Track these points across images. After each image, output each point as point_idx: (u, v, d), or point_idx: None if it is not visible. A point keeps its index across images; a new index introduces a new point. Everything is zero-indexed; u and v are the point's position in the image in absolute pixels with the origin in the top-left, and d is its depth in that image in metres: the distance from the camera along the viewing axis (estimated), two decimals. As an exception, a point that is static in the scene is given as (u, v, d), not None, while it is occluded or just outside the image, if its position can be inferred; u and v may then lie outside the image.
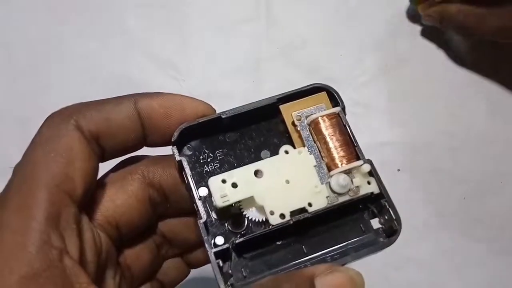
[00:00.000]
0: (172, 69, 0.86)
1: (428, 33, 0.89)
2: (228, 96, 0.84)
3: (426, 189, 0.80)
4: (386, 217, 0.45)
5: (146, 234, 0.49)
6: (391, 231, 0.44)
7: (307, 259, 0.44)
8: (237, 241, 0.43)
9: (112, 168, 0.47)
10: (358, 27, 0.90)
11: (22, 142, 0.78)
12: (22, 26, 0.89)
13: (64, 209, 0.38)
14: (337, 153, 0.44)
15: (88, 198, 0.42)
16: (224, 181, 0.43)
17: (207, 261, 0.50)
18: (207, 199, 0.44)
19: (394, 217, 0.44)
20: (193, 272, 0.54)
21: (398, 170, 0.81)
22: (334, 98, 0.46)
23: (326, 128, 0.45)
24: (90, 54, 0.87)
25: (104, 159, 0.45)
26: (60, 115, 0.42)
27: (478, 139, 0.82)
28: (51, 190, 0.38)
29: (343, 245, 0.45)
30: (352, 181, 0.44)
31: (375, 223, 0.46)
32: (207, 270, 0.52)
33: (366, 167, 0.44)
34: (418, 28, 0.89)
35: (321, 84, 0.47)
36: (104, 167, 0.46)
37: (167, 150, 0.46)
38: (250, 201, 0.43)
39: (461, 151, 0.82)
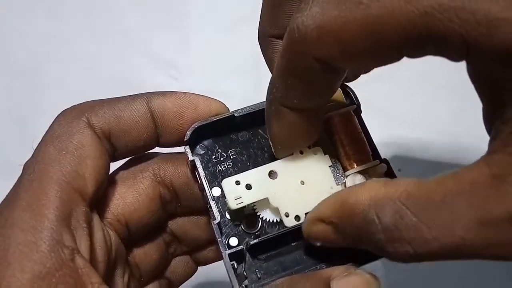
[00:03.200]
0: (172, 69, 0.86)
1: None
2: (228, 96, 0.83)
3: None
4: None
5: (155, 232, 0.48)
6: None
7: (322, 261, 0.44)
8: (251, 242, 0.42)
9: (122, 165, 0.47)
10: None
11: (21, 142, 0.78)
12: (22, 26, 0.88)
13: (75, 207, 0.38)
14: (353, 152, 0.44)
15: (99, 197, 0.42)
16: (238, 183, 0.43)
17: (216, 258, 0.50)
18: (220, 199, 0.44)
19: None
20: (200, 268, 0.54)
21: (399, 170, 0.81)
22: (349, 96, 0.46)
23: (341, 127, 0.44)
24: (90, 54, 0.86)
25: (115, 158, 0.45)
26: (71, 112, 0.42)
27: (478, 139, 0.82)
28: (62, 188, 0.37)
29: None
30: (368, 181, 0.43)
31: None
32: (214, 267, 0.52)
33: (383, 167, 0.44)
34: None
35: None
36: (115, 164, 0.46)
37: (179, 149, 0.45)
38: (265, 202, 0.43)
39: (462, 151, 0.82)
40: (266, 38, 0.44)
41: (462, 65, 0.85)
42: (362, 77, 0.85)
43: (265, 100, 0.45)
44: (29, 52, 0.86)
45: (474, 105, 0.85)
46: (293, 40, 0.34)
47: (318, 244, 0.40)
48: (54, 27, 0.88)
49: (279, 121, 0.40)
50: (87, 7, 0.90)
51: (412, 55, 0.34)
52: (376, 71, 0.85)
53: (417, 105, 0.85)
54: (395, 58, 0.34)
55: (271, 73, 0.43)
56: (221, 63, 0.87)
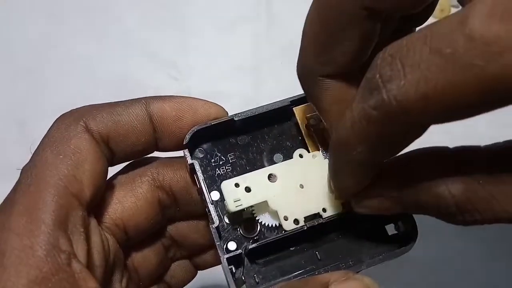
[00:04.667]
0: (172, 69, 0.86)
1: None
2: (228, 96, 0.83)
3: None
4: (401, 224, 0.44)
5: (154, 237, 0.48)
6: (407, 238, 0.44)
7: (321, 266, 0.44)
8: (250, 247, 0.42)
9: (121, 169, 0.47)
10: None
11: (21, 142, 0.77)
12: (22, 26, 0.88)
13: (72, 212, 0.37)
14: (353, 157, 0.44)
15: (97, 201, 0.42)
16: (237, 185, 0.42)
17: (215, 262, 0.50)
18: (219, 203, 0.44)
19: (410, 224, 0.44)
20: (200, 272, 0.53)
21: (399, 170, 0.81)
22: None
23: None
24: (90, 54, 0.86)
25: (113, 163, 0.44)
26: (69, 116, 0.42)
27: (479, 139, 0.82)
28: (59, 193, 0.37)
29: (357, 252, 0.44)
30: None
31: (391, 229, 0.45)
32: (214, 270, 0.51)
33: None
34: (418, 28, 0.89)
35: None
36: (113, 169, 0.45)
37: (178, 153, 0.45)
38: (263, 205, 0.43)
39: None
40: (314, 77, 0.41)
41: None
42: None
43: (267, 103, 0.45)
44: (29, 52, 0.86)
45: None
46: (389, 111, 0.31)
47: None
48: (54, 27, 0.88)
49: (353, 178, 0.38)
50: (87, 7, 0.90)
51: None
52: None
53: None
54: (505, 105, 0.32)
55: (320, 113, 0.42)
56: (221, 63, 0.87)
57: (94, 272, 0.39)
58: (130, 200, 0.45)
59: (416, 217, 0.77)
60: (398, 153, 0.38)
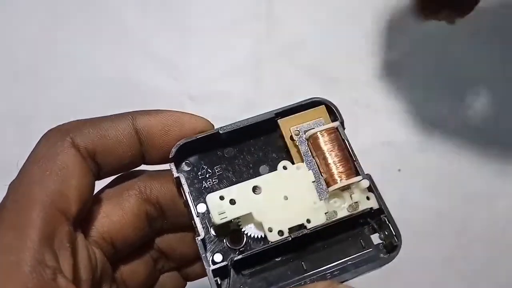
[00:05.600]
0: (172, 69, 0.86)
1: (429, 34, 0.88)
2: (228, 96, 0.84)
3: (426, 189, 0.80)
4: (386, 233, 0.44)
5: (142, 249, 0.48)
6: (391, 247, 0.44)
7: (306, 276, 0.44)
8: (235, 258, 0.42)
9: (108, 183, 0.47)
10: (358, 26, 0.90)
11: (21, 142, 0.78)
12: (22, 26, 0.88)
13: (58, 227, 0.38)
14: (336, 168, 0.43)
15: (83, 216, 0.42)
16: (222, 198, 0.43)
17: (204, 274, 0.50)
18: (206, 215, 0.44)
19: (394, 233, 0.43)
20: (189, 284, 0.54)
21: (399, 170, 0.81)
22: (332, 112, 0.46)
23: (325, 143, 0.44)
24: (90, 54, 0.87)
25: (100, 177, 0.45)
26: (56, 132, 0.42)
27: (479, 139, 0.82)
28: (45, 209, 0.37)
29: (343, 261, 0.45)
30: (351, 196, 0.44)
31: (376, 238, 0.45)
32: (203, 282, 0.52)
33: (365, 183, 0.43)
34: (419, 27, 0.89)
35: (320, 98, 0.46)
36: (100, 183, 0.46)
37: (165, 166, 0.45)
38: (249, 217, 0.43)
39: (462, 151, 0.82)
40: None
41: (462, 65, 0.85)
42: (362, 76, 0.85)
43: (252, 116, 0.45)
44: (29, 52, 0.87)
45: (474, 105, 0.85)
46: None
47: None
48: (54, 27, 0.88)
49: None
50: (87, 7, 0.90)
51: None
52: (376, 71, 0.86)
53: (417, 105, 0.85)
54: None
55: None
56: (221, 63, 0.87)
57: (81, 287, 0.40)
58: (117, 214, 0.45)
59: (415, 217, 0.77)
60: None
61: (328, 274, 0.44)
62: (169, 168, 0.44)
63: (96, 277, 0.43)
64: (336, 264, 0.44)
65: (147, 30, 0.89)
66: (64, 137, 0.41)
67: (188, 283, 0.53)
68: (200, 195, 0.45)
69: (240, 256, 0.43)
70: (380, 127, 0.83)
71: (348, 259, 0.45)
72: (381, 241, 0.45)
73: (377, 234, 0.45)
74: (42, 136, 0.42)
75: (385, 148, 0.81)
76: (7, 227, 0.37)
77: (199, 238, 0.42)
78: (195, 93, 0.84)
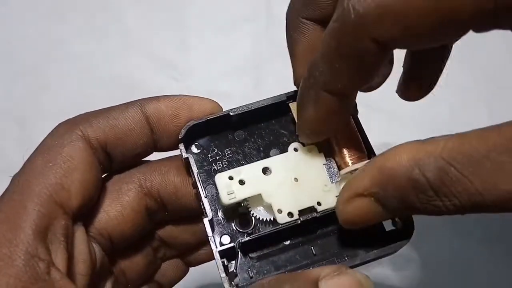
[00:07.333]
0: (172, 69, 0.86)
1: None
2: (228, 96, 0.83)
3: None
4: (399, 219, 0.44)
5: (142, 240, 0.48)
6: (404, 233, 0.43)
7: (316, 261, 0.43)
8: (243, 240, 0.42)
9: (107, 175, 0.46)
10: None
11: (21, 142, 0.78)
12: (22, 26, 0.88)
13: (53, 221, 0.37)
14: (348, 151, 0.43)
15: (86, 210, 0.41)
16: (231, 178, 0.42)
17: (207, 258, 0.50)
18: (214, 198, 0.44)
19: (406, 219, 0.43)
20: (194, 269, 0.53)
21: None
22: None
23: (337, 127, 0.44)
24: (90, 54, 0.86)
25: (112, 169, 0.44)
26: (66, 124, 0.42)
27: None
28: (42, 201, 0.37)
29: (353, 247, 0.44)
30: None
31: (387, 224, 0.44)
32: (206, 266, 0.51)
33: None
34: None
35: None
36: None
37: (177, 151, 0.45)
38: (258, 199, 0.43)
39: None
40: (297, 18, 0.42)
41: (462, 65, 0.85)
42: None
43: (263, 99, 0.45)
44: (29, 52, 0.87)
45: (475, 105, 0.85)
46: (348, 21, 0.32)
47: (357, 226, 0.39)
48: (54, 27, 0.88)
49: (316, 106, 0.38)
50: (87, 7, 0.90)
51: (480, 30, 0.32)
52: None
53: (417, 105, 0.84)
54: (460, 34, 0.33)
55: (291, 56, 0.43)
56: (221, 63, 0.87)
57: (76, 280, 0.39)
58: (115, 209, 0.44)
59: (415, 217, 0.77)
60: (359, 85, 0.37)
61: (338, 260, 0.43)
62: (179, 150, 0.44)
63: (96, 271, 0.42)
64: (347, 250, 0.44)
65: (147, 30, 0.89)
66: (73, 129, 0.41)
67: (192, 268, 0.53)
68: (209, 178, 0.45)
69: (247, 238, 0.42)
70: (380, 127, 0.83)
71: (359, 245, 0.44)
72: (393, 227, 0.44)
73: (389, 220, 0.45)
74: (52, 129, 0.42)
75: (385, 148, 0.80)
76: (2, 220, 0.36)
77: (207, 219, 0.42)
78: (194, 93, 0.83)
